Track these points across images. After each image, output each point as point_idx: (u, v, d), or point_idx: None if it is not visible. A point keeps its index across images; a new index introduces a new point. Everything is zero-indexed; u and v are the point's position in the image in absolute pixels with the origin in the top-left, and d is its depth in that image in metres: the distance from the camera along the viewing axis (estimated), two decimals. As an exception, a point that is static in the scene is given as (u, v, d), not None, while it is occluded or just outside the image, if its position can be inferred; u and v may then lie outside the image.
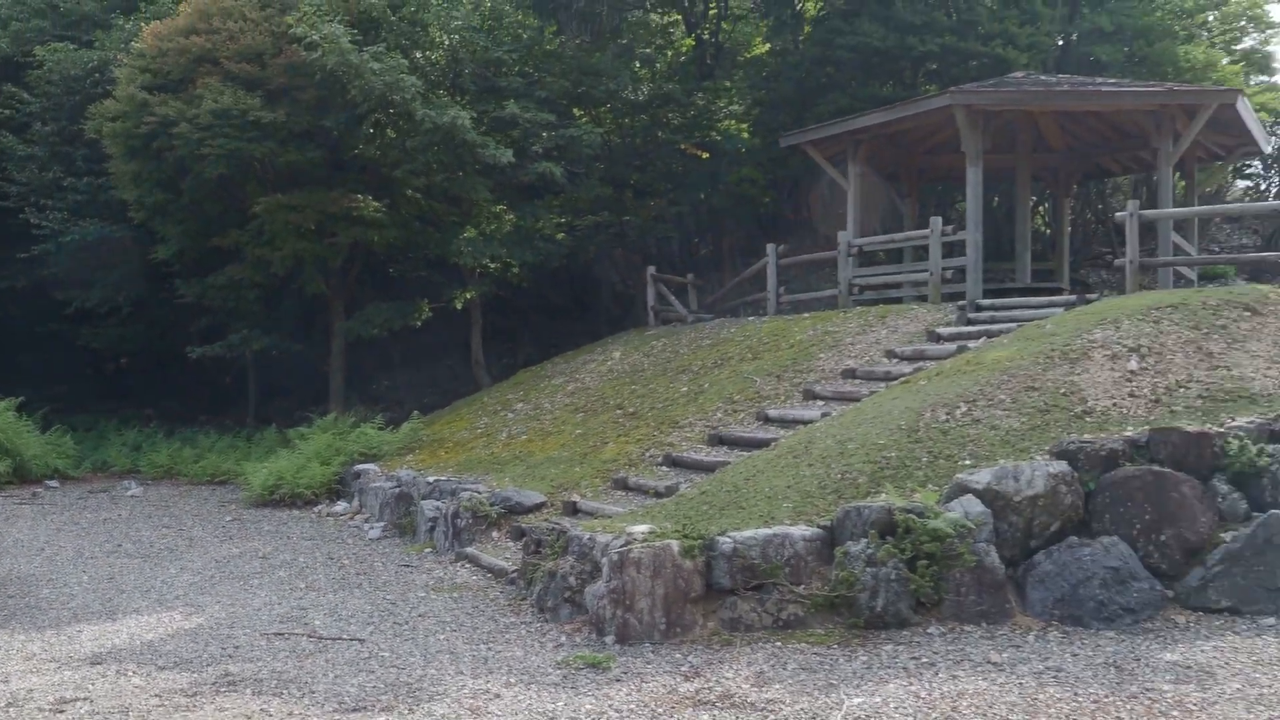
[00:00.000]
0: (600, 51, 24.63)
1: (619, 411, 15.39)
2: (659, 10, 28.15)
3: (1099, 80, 19.77)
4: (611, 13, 27.00)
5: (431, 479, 14.44)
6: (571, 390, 17.66)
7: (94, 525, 15.41)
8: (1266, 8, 30.70)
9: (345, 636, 9.03)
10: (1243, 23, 30.13)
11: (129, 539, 14.24)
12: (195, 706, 7.25)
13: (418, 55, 21.09)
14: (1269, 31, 30.85)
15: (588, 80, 23.23)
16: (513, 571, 10.79)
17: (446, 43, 21.74)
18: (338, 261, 21.80)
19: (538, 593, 9.73)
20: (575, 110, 23.77)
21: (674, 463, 12.84)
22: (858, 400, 12.73)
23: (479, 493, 13.04)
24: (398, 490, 14.70)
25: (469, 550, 12.10)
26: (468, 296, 22.98)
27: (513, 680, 7.66)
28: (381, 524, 14.52)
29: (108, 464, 21.83)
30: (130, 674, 8.06)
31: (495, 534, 12.41)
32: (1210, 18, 29.12)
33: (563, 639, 8.78)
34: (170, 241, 21.80)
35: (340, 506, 16.17)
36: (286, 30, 19.55)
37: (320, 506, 16.46)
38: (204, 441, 21.92)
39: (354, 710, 7.12)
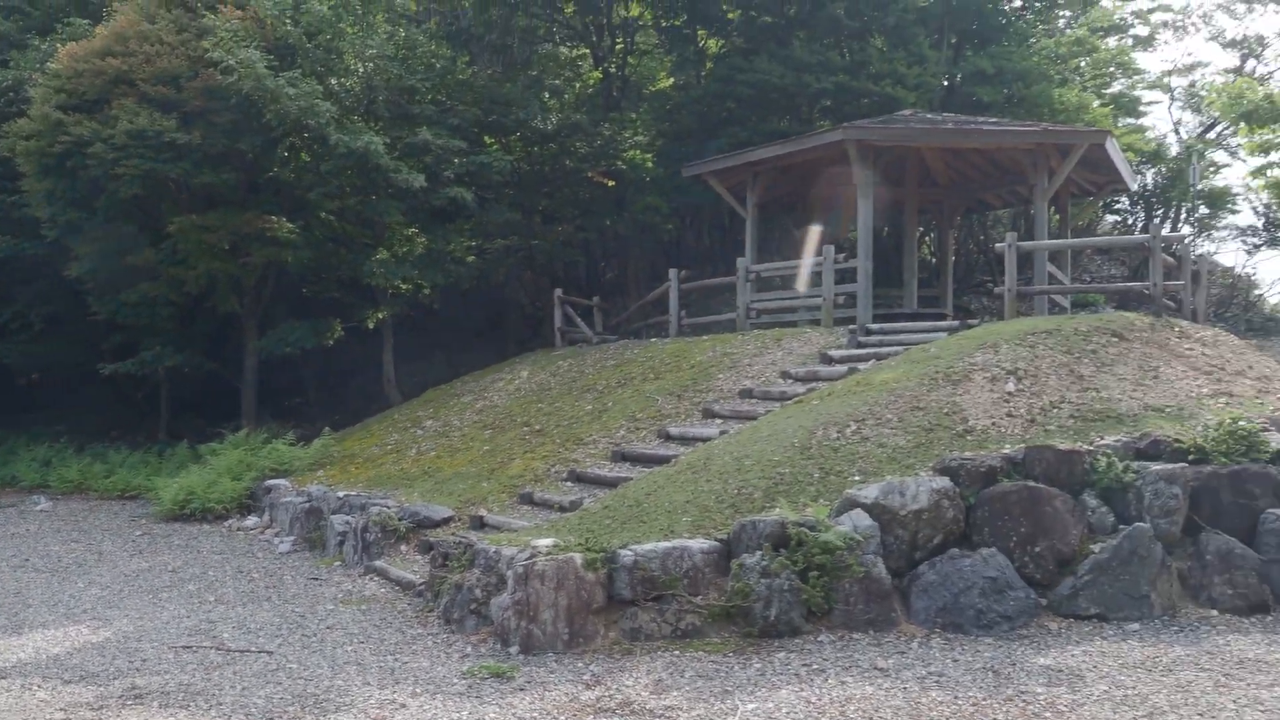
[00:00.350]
0: (511, 82, 24.58)
1: (526, 429, 15.31)
2: (568, 44, 28.22)
3: (981, 119, 20.22)
4: (522, 45, 26.99)
5: (342, 494, 14.23)
6: (480, 408, 17.54)
7: (1, 540, 14.90)
8: (1133, 56, 31.73)
9: (254, 649, 8.83)
10: (1112, 69, 31.09)
11: (37, 553, 13.80)
12: None
13: (333, 82, 20.86)
14: (1135, 78, 31.88)
15: (498, 109, 23.16)
16: (420, 584, 10.66)
17: (361, 70, 21.54)
18: (251, 281, 21.43)
19: (444, 605, 9.62)
20: (486, 138, 23.68)
21: (578, 478, 12.80)
22: (754, 419, 12.82)
23: (388, 508, 12.87)
24: (308, 505, 14.45)
25: (378, 564, 11.93)
26: (379, 316, 22.75)
27: (419, 690, 7.56)
28: (292, 538, 14.24)
29: (16, 479, 21.17)
30: (35, 688, 7.80)
31: (404, 548, 12.25)
32: (1082, 63, 29.99)
33: (468, 649, 8.69)
34: (84, 259, 21.22)
35: (251, 521, 15.84)
36: (203, 54, 19.21)
37: (231, 521, 16.11)
38: (115, 457, 21.33)
39: (261, 721, 6.97)
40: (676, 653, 8.27)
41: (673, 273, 19.86)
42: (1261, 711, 6.84)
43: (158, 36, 19.80)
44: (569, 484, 12.79)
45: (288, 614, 10.16)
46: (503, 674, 7.84)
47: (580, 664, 8.10)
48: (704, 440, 12.55)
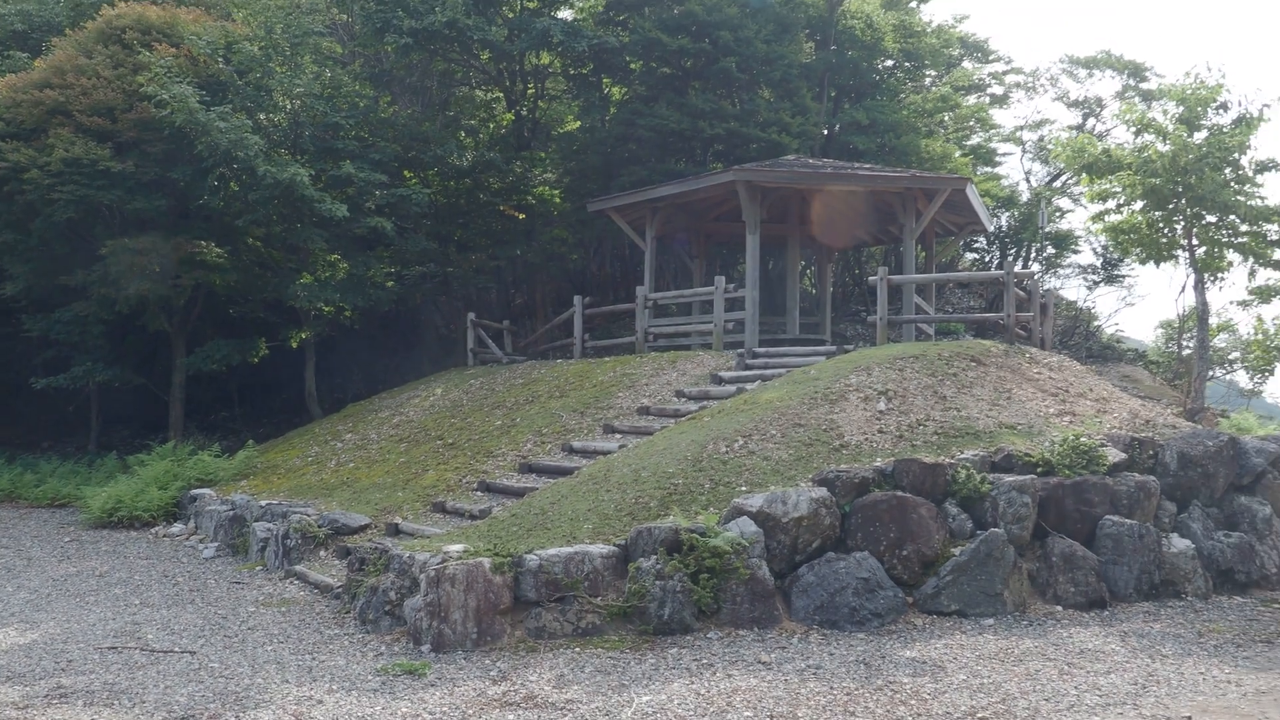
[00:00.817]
0: (430, 121, 24.36)
1: (439, 442, 15.11)
2: (483, 88, 28.07)
3: (857, 165, 20.58)
4: (440, 88, 26.81)
5: (264, 503, 13.88)
6: (397, 423, 17.27)
7: (-69, 546, 14.26)
8: (990, 112, 32.66)
9: (177, 649, 8.55)
10: (971, 123, 31.98)
11: (-34, 559, 13.22)
12: (27, 719, 6.74)
13: (262, 117, 20.46)
14: (992, 131, 32.83)
15: (418, 146, 22.92)
16: (338, 587, 10.44)
17: (289, 107, 21.17)
18: (181, 301, 20.85)
19: (360, 606, 9.43)
20: (406, 172, 23.41)
21: (488, 488, 12.66)
22: (650, 434, 12.83)
23: (308, 515, 12.59)
24: (232, 513, 14.07)
25: (298, 568, 11.65)
26: (303, 335, 22.32)
27: (335, 687, 7.39)
28: (215, 544, 13.85)
29: (-52, 488, 20.25)
30: (-39, 688, 7.45)
31: (323, 553, 11.99)
32: (946, 118, 30.77)
33: (383, 649, 8.52)
34: (18, 278, 20.46)
35: (177, 528, 15.35)
36: (138, 89, 18.70)
37: (157, 528, 15.59)
38: (45, 467, 20.52)
39: (183, 718, 6.74)
40: (578, 650, 8.21)
41: (578, 299, 19.81)
42: (1099, 695, 7.03)
43: (94, 70, 19.24)
44: (479, 494, 12.64)
45: (211, 616, 9.87)
46: (415, 671, 7.71)
47: (488, 661, 8.00)
48: (604, 454, 12.52)
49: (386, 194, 21.16)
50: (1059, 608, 9.56)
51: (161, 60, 18.69)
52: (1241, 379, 25.25)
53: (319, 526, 12.19)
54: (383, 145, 22.10)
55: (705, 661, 7.88)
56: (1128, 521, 10.16)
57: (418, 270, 23.37)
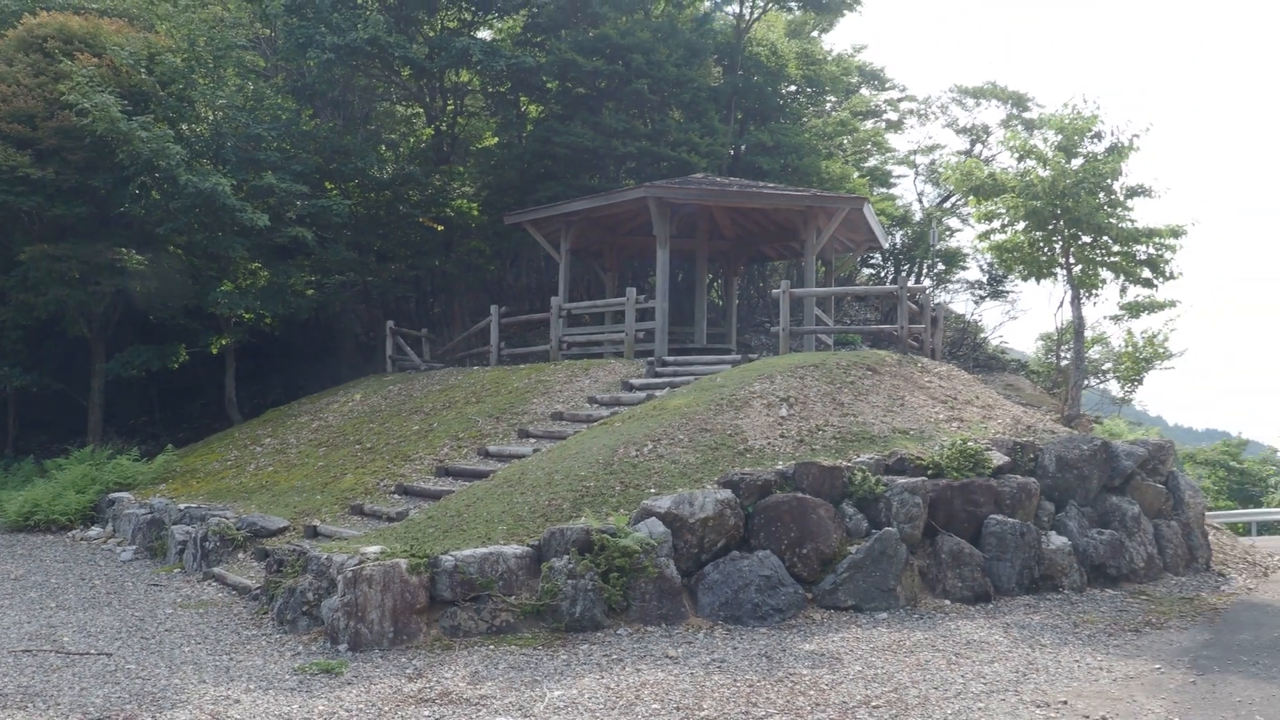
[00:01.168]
0: (351, 134, 23.99)
1: (358, 447, 14.86)
2: (404, 103, 27.76)
3: (762, 184, 20.77)
4: (362, 102, 26.44)
5: (183, 506, 13.50)
6: (316, 427, 16.94)
7: None
8: (885, 136, 33.30)
9: (93, 651, 8.26)
10: (869, 146, 32.57)
11: (-124, 564, 12.61)
12: (-64, 723, 6.45)
13: (184, 127, 19.96)
14: (888, 154, 33.48)
15: (339, 158, 22.55)
16: (256, 589, 10.19)
17: (211, 118, 20.69)
18: (100, 307, 20.19)
19: (279, 607, 9.22)
20: (327, 184, 23.01)
21: (405, 491, 12.49)
22: (564, 439, 12.78)
23: (227, 518, 12.28)
24: (150, 516, 13.65)
25: (216, 570, 11.35)
26: (223, 342, 21.76)
27: (252, 686, 7.20)
28: (134, 548, 13.42)
29: None
30: None
31: (241, 556, 11.69)
32: (845, 141, 31.30)
33: (300, 648, 8.34)
34: (-67, 284, 19.66)
35: (95, 532, 14.85)
36: (59, 97, 18.08)
37: (75, 532, 15.07)
38: (-41, 471, 19.71)
39: (98, 719, 6.50)
40: (492, 647, 8.13)
41: (494, 309, 19.66)
42: (984, 683, 7.17)
43: (15, 78, 18.54)
44: (397, 496, 12.46)
45: (128, 618, 9.55)
46: (332, 670, 7.55)
47: (404, 659, 7.87)
48: (519, 457, 12.44)
49: (307, 204, 20.79)
50: (948, 601, 9.75)
51: (83, 69, 18.10)
52: (1114, 388, 26.12)
53: (237, 529, 11.90)
54: (304, 157, 21.72)
55: (615, 657, 7.86)
56: (1011, 520, 10.40)
57: (338, 279, 22.98)
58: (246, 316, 21.26)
